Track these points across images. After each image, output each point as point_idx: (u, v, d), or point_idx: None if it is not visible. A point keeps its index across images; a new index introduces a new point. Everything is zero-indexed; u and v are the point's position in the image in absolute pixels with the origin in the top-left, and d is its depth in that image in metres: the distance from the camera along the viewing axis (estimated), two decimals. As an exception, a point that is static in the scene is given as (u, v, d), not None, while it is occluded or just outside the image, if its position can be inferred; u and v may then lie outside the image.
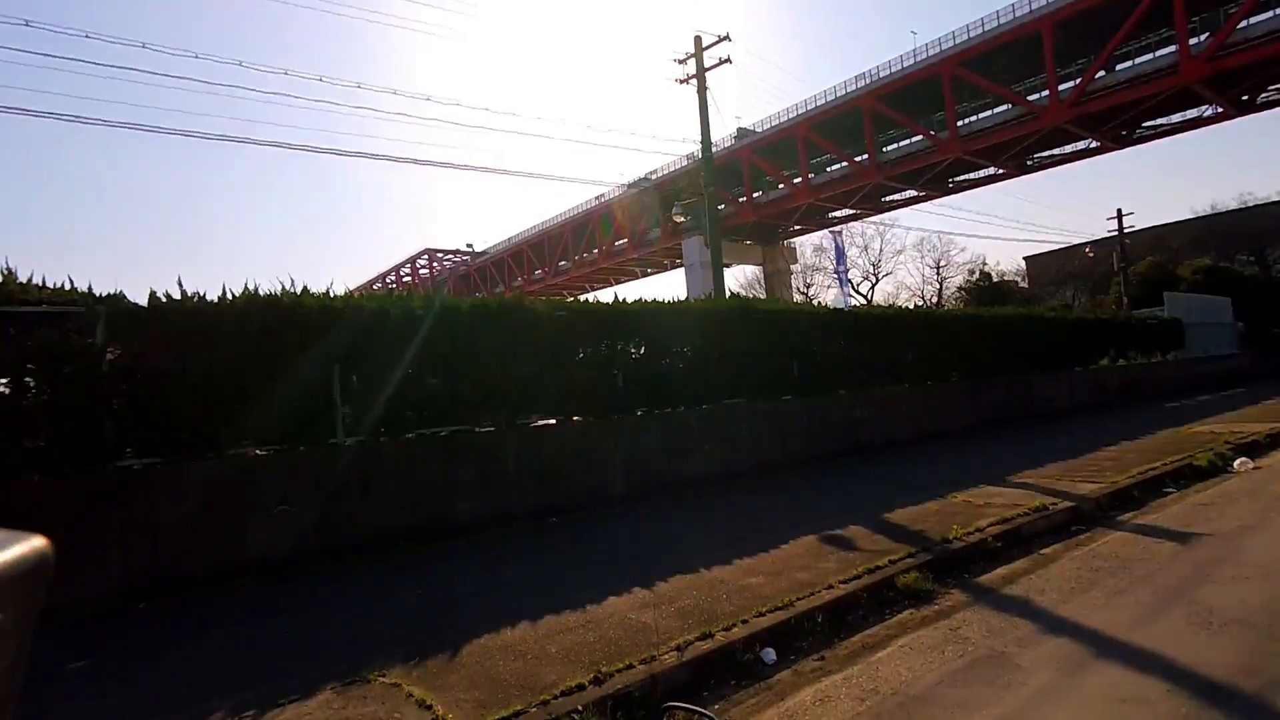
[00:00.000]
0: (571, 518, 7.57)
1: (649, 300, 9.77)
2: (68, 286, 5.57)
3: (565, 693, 3.10)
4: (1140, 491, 7.24)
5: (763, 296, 42.61)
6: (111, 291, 5.75)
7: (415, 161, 74.91)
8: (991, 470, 8.67)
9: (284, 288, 6.61)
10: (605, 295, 9.81)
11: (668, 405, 9.78)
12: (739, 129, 54.07)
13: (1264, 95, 38.78)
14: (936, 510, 6.52)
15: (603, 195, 59.04)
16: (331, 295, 6.91)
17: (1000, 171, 47.56)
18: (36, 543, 0.59)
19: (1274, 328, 35.04)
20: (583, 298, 9.44)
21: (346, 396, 6.71)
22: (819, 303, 14.26)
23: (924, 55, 43.43)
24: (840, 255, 15.42)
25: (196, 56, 29.52)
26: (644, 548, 6.04)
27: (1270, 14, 33.02)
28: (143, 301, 5.80)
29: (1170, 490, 7.44)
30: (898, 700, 3.07)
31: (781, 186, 51.34)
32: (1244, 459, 8.66)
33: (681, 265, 58.59)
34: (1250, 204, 52.26)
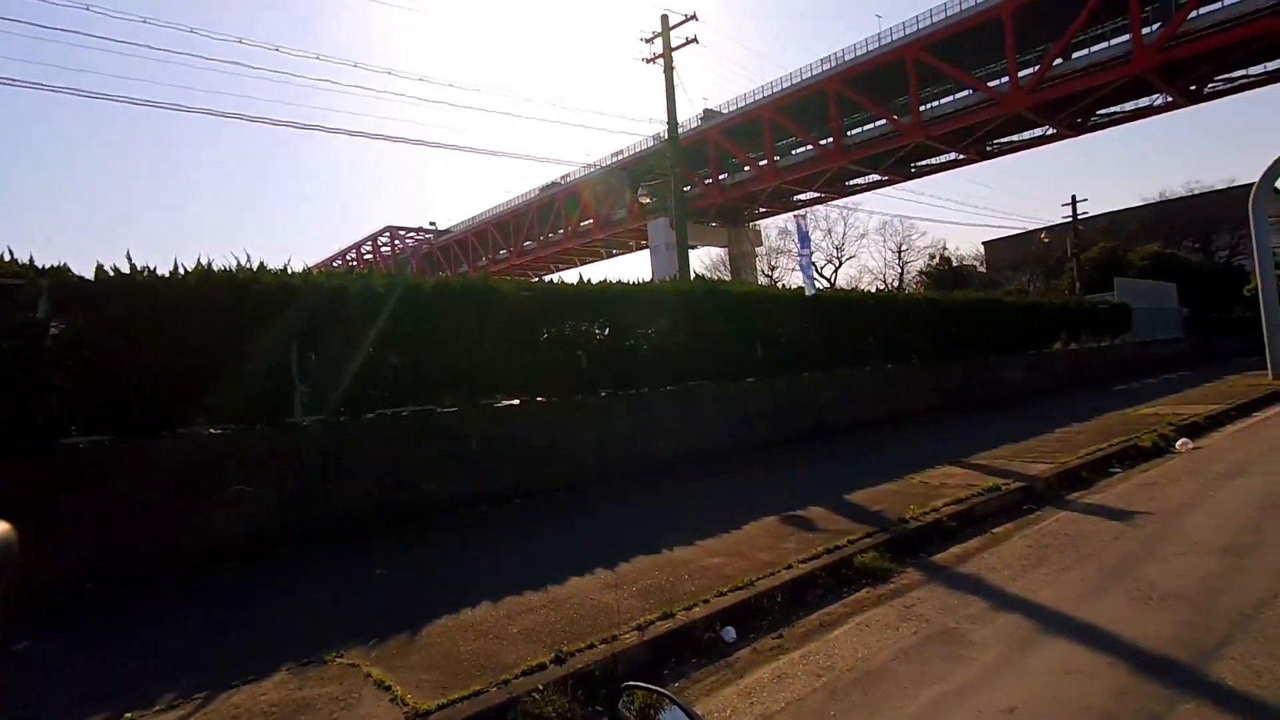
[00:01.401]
0: (537, 499, 7.54)
1: (614, 281, 9.71)
2: (7, 258, 5.29)
3: (526, 672, 3.09)
4: (1088, 472, 7.48)
5: (728, 279, 42.80)
6: (55, 264, 5.48)
7: (377, 137, 73.03)
8: (949, 451, 8.87)
9: (239, 263, 6.40)
10: (571, 276, 9.74)
11: (633, 386, 9.77)
12: (705, 110, 53.81)
13: (1211, 85, 39.99)
14: (895, 491, 6.65)
15: (569, 175, 58.46)
16: (290, 272, 6.72)
17: (961, 157, 48.34)
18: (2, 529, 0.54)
19: (1215, 313, 36.46)
20: (548, 278, 9.34)
21: (305, 375, 6.55)
22: (783, 285, 14.35)
23: (889, 39, 43.68)
24: (804, 238, 15.47)
25: (145, 20, 28.17)
26: (608, 528, 6.04)
27: (1218, 5, 33.92)
28: (89, 275, 5.55)
29: (1116, 470, 7.71)
30: (853, 676, 3.13)
31: (747, 169, 51.45)
32: (1185, 440, 9.01)
33: (647, 247, 58.48)
34: (1197, 192, 54.14)
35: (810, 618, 3.94)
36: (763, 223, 61.59)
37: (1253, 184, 18.97)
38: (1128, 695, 2.74)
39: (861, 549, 4.75)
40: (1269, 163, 18.18)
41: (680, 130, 17.17)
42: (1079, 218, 36.68)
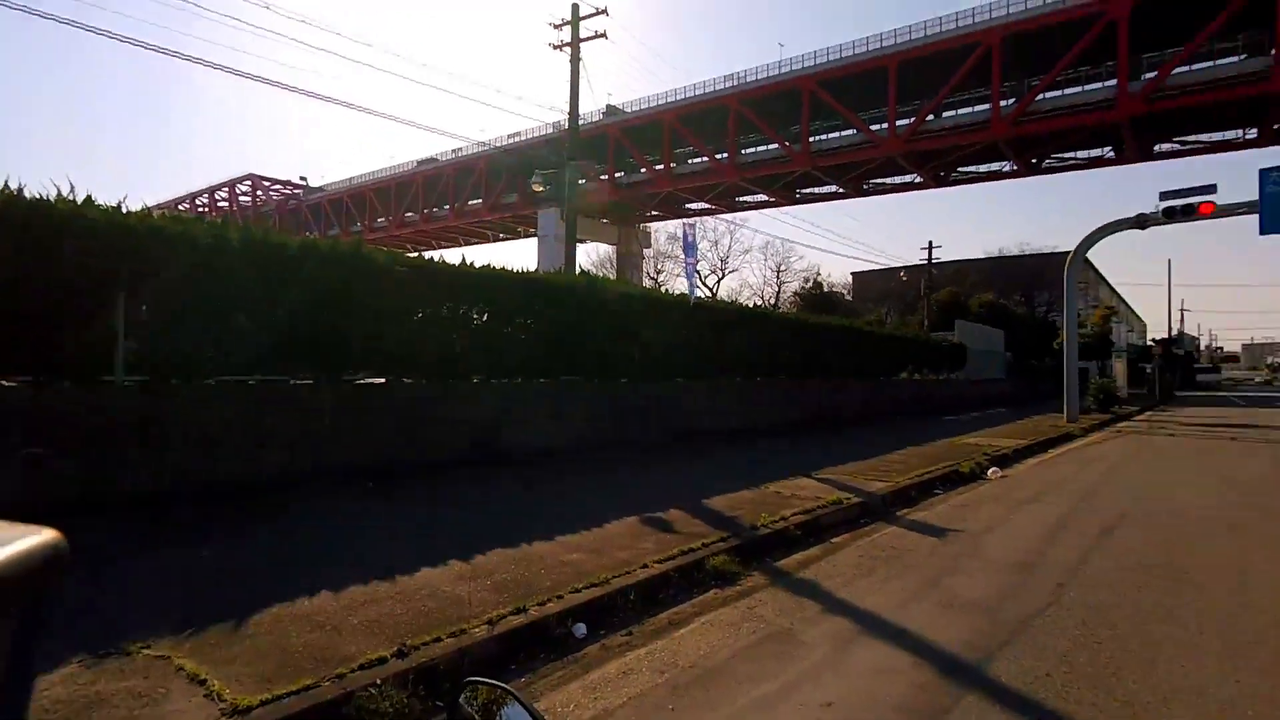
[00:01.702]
0: (393, 482, 7.25)
1: (500, 268, 9.56)
2: None
3: (365, 665, 2.97)
4: (917, 492, 8.27)
5: (613, 277, 43.11)
6: None
7: (242, 75, 66.80)
8: (804, 464, 9.47)
9: (60, 193, 5.62)
10: (453, 256, 9.47)
11: (508, 376, 9.64)
12: (608, 106, 53.90)
13: (1048, 161, 45.32)
14: (751, 498, 7.02)
15: (460, 150, 56.39)
16: (125, 210, 6.00)
17: (841, 190, 51.61)
18: (48, 536, 0.59)
19: (1033, 360, 41.32)
20: (428, 255, 9.01)
21: (133, 330, 5.89)
22: (667, 290, 14.72)
23: (789, 68, 45.82)
24: (691, 247, 15.95)
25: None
26: (466, 518, 5.93)
27: (1058, 93, 38.50)
28: None
29: (939, 492, 8.57)
30: (695, 672, 3.28)
31: (644, 171, 52.12)
32: (995, 468, 10.17)
33: (535, 235, 57.72)
34: (1027, 252, 61.12)
35: (660, 616, 4.08)
36: (653, 226, 62.64)
37: (1069, 252, 21.74)
38: (925, 691, 3.08)
39: (714, 552, 4.98)
40: (1089, 231, 20.87)
41: (581, 123, 17.14)
42: (933, 261, 40.37)
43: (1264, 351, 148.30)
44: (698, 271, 17.47)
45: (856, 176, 48.72)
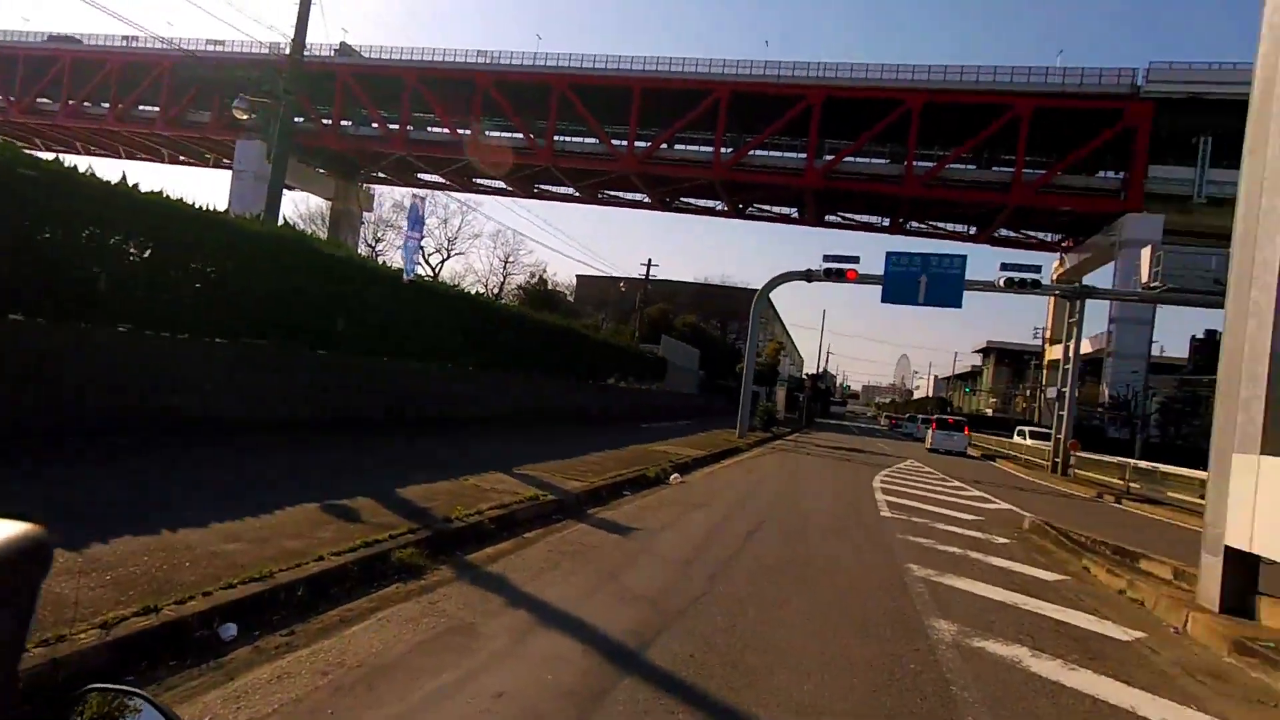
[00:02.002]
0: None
1: (173, 198, 8.01)
2: None
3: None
4: (608, 492, 8.90)
5: (324, 236, 39.00)
6: None
7: None
8: (507, 460, 9.57)
9: None
10: (110, 169, 7.67)
11: (167, 327, 8.13)
12: (343, 44, 48.82)
13: (751, 209, 52.38)
14: (449, 490, 6.88)
15: (135, 39, 46.10)
16: None
17: (578, 194, 53.47)
18: (32, 530, 0.62)
19: (720, 379, 47.27)
20: (69, 160, 7.12)
21: None
22: (385, 261, 13.74)
23: (544, 62, 46.14)
24: (418, 221, 15.15)
25: None
26: (91, 498, 4.85)
27: (765, 153, 44.79)
28: None
29: (628, 493, 9.34)
30: (362, 671, 3.11)
31: (376, 126, 48.17)
32: (677, 475, 11.42)
33: (229, 167, 49.74)
34: (727, 284, 69.93)
35: (331, 613, 3.78)
36: (378, 189, 58.13)
37: (757, 290, 25.38)
38: (590, 676, 3.33)
39: (402, 544, 4.77)
40: (771, 276, 24.52)
41: (306, 54, 15.21)
42: (650, 278, 43.94)
43: (875, 392, 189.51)
44: (421, 248, 16.67)
45: (594, 184, 50.96)
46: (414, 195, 18.19)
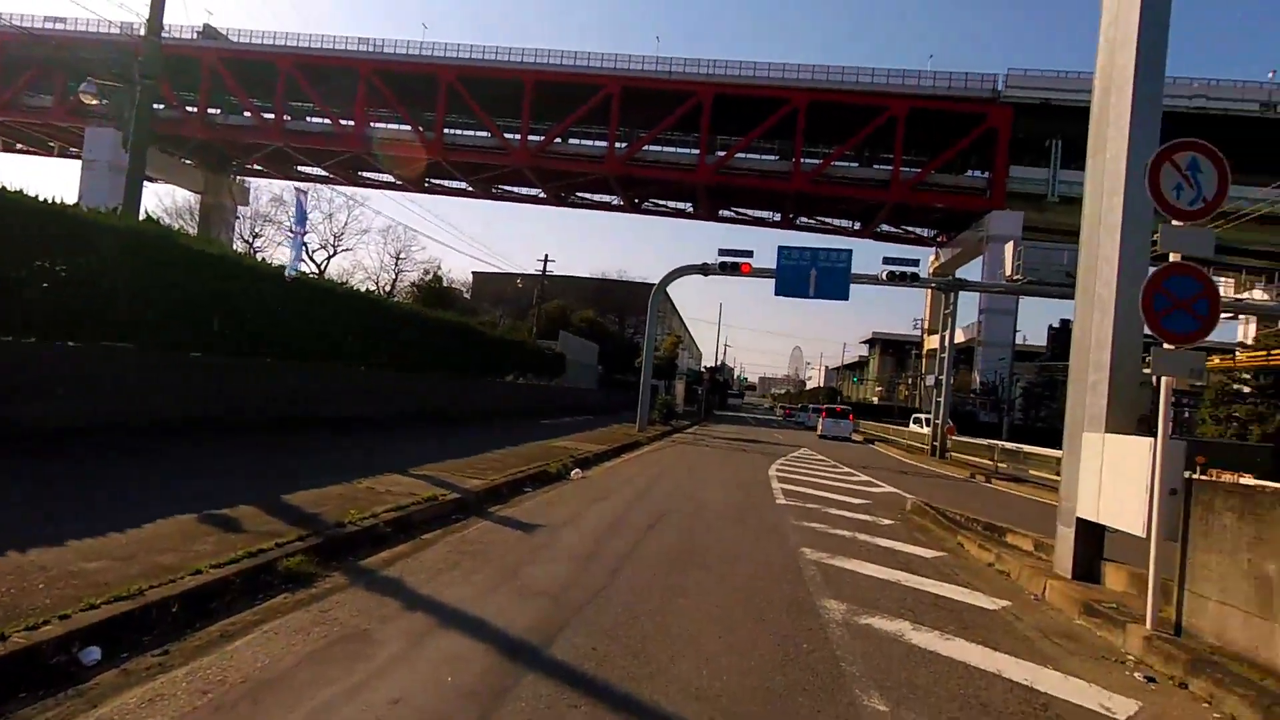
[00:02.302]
0: None
1: (11, 190, 7.24)
2: None
3: None
4: (509, 490, 8.78)
5: (194, 232, 36.17)
6: None
7: None
8: (404, 460, 9.25)
9: None
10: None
11: (7, 331, 7.34)
12: (206, 26, 45.35)
13: (646, 204, 52.93)
14: (340, 494, 6.58)
15: (-35, 14, 40.99)
16: None
17: (471, 189, 52.18)
18: None
19: (618, 374, 47.56)
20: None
21: None
22: (264, 259, 12.86)
23: (430, 52, 44.71)
24: (302, 217, 14.34)
25: None
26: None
27: (659, 148, 45.43)
28: None
29: (528, 490, 9.25)
30: (247, 688, 2.93)
31: (249, 115, 45.06)
32: (578, 470, 11.42)
33: (79, 157, 45.13)
34: (625, 279, 70.41)
35: (210, 628, 3.54)
36: (254, 182, 54.43)
37: (654, 285, 25.72)
38: (491, 675, 3.30)
39: (290, 552, 4.53)
40: (668, 271, 24.91)
41: (166, 35, 14.01)
42: (548, 274, 43.55)
43: (771, 384, 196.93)
44: (305, 244, 15.75)
45: (488, 179, 49.90)
46: (296, 189, 17.16)
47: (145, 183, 13.41)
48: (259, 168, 52.25)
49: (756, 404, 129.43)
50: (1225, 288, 43.18)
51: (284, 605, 3.99)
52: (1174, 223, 5.07)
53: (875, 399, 78.54)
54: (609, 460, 14.30)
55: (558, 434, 17.36)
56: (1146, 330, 5.10)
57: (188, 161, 50.11)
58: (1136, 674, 4.20)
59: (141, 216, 10.96)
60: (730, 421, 45.56)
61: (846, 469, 17.19)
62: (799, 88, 41.58)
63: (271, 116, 44.59)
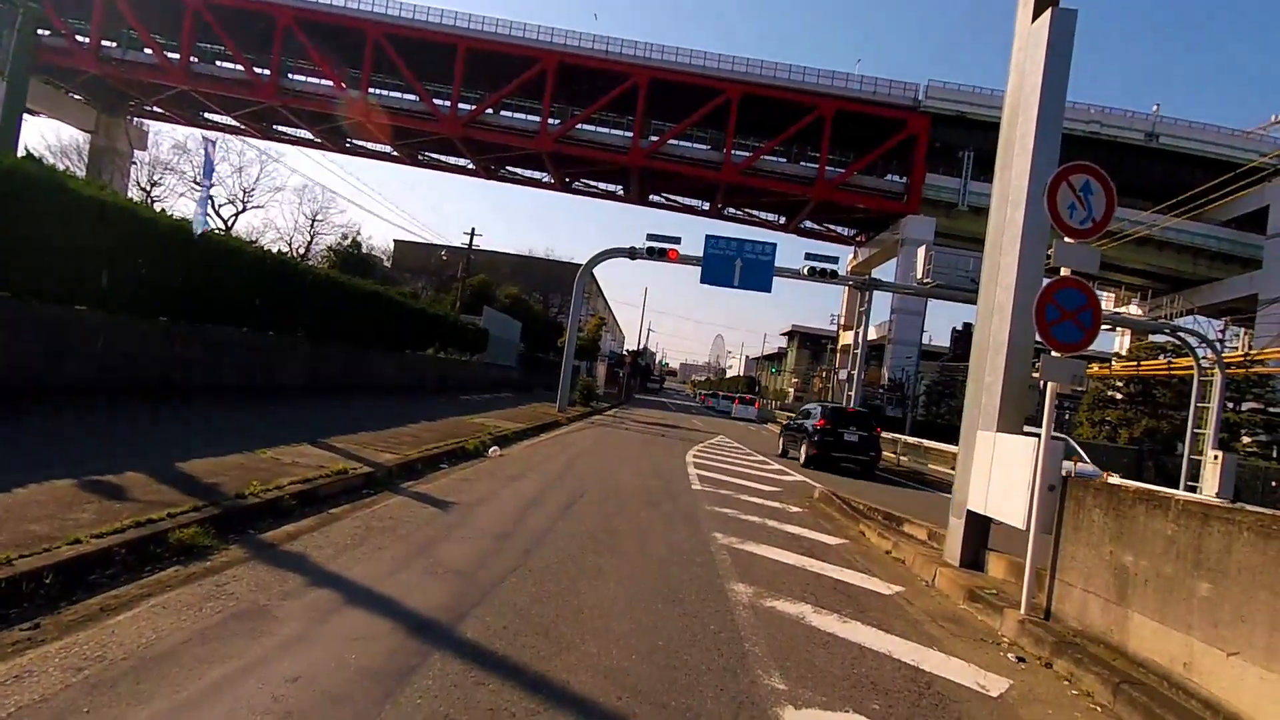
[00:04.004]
0: None
1: None
2: None
3: None
4: (424, 465, 8.58)
5: (81, 175, 33.17)
6: None
7: None
8: (313, 431, 8.87)
9: None
10: None
11: None
12: (109, -47, 41.51)
13: (578, 184, 52.44)
14: (241, 464, 6.26)
15: None
16: None
17: (395, 154, 50.14)
18: None
19: (540, 353, 47.12)
20: None
21: None
22: (162, 210, 11.92)
23: (358, 5, 42.58)
24: (209, 168, 13.38)
25: None
26: None
27: (593, 129, 44.96)
28: None
29: (444, 466, 9.08)
30: (129, 664, 2.77)
31: (149, 51, 41.60)
32: (496, 447, 11.29)
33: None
34: (551, 257, 69.70)
35: (89, 601, 3.32)
36: (153, 125, 50.37)
37: (580, 265, 25.58)
38: (398, 654, 3.24)
39: (183, 524, 4.28)
40: (594, 252, 24.80)
41: (61, -42, 12.69)
42: (473, 247, 42.47)
43: (691, 370, 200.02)
44: (211, 198, 14.75)
45: (414, 145, 48.10)
46: (203, 138, 15.88)
47: (26, 116, 12.15)
48: (160, 111, 48.34)
49: (677, 389, 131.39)
50: (1106, 302, 47.04)
51: (174, 579, 3.78)
52: (1066, 239, 5.47)
53: (791, 390, 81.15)
54: (528, 439, 14.19)
55: (477, 410, 17.06)
56: (1037, 337, 5.50)
57: (78, 97, 45.80)
58: (1009, 655, 4.57)
59: (20, 153, 9.97)
60: (651, 406, 46.01)
61: (760, 457, 17.72)
62: (733, 80, 42.03)
63: (177, 57, 41.29)
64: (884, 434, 23.13)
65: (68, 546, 3.57)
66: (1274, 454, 30.38)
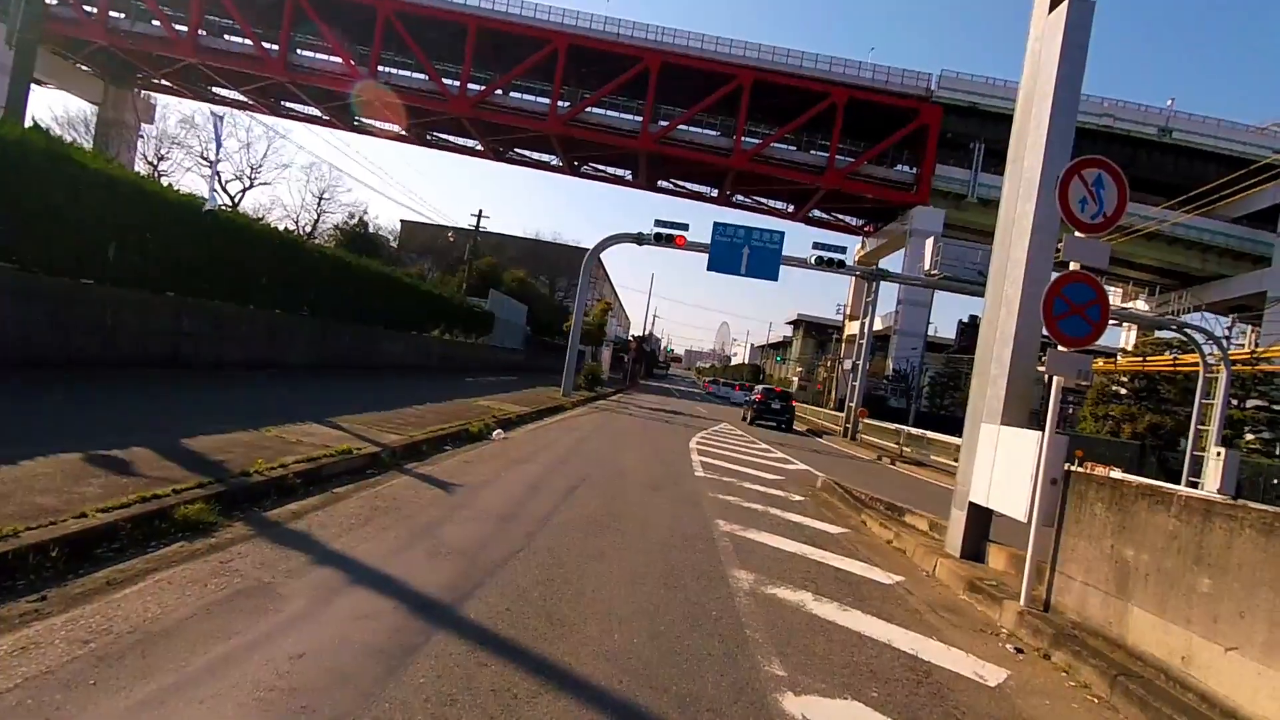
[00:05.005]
0: None
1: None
2: None
3: None
4: (428, 446, 8.62)
5: (89, 147, 33.14)
6: None
7: None
8: (319, 410, 8.92)
9: None
10: None
11: None
12: (117, -78, 41.16)
13: (586, 168, 52.08)
14: (248, 441, 6.29)
15: None
16: None
17: (405, 134, 49.87)
18: None
19: (546, 337, 47.12)
20: None
21: None
22: (171, 185, 11.87)
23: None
24: (218, 143, 13.33)
25: None
26: None
27: (603, 112, 44.60)
28: None
29: (449, 448, 9.11)
30: (135, 638, 2.80)
31: (158, 24, 41.35)
32: (500, 430, 11.32)
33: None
34: (558, 241, 69.41)
35: (96, 575, 3.35)
36: (161, 99, 50.18)
37: (588, 250, 25.50)
38: (400, 632, 3.27)
39: (187, 500, 4.31)
40: (603, 237, 24.71)
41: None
42: (481, 229, 42.38)
43: (696, 357, 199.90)
44: (219, 174, 14.72)
45: (423, 124, 47.84)
46: (212, 112, 15.75)
47: (33, 86, 12.12)
48: (168, 84, 48.10)
49: (682, 376, 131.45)
50: (1114, 297, 46.73)
51: (179, 554, 3.81)
52: (1077, 234, 5.42)
53: (795, 378, 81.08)
54: (532, 423, 14.22)
55: (482, 393, 17.10)
56: (1044, 331, 5.47)
57: (85, 69, 45.60)
58: (1008, 646, 4.58)
59: (28, 124, 9.94)
60: (655, 392, 46.03)
61: (764, 445, 17.74)
62: (745, 66, 41.60)
63: (185, 30, 41.03)
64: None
65: (74, 520, 3.60)
66: (1277, 451, 30.30)
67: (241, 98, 47.84)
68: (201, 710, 2.40)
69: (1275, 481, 23.49)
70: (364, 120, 49.11)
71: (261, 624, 3.12)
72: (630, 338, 70.13)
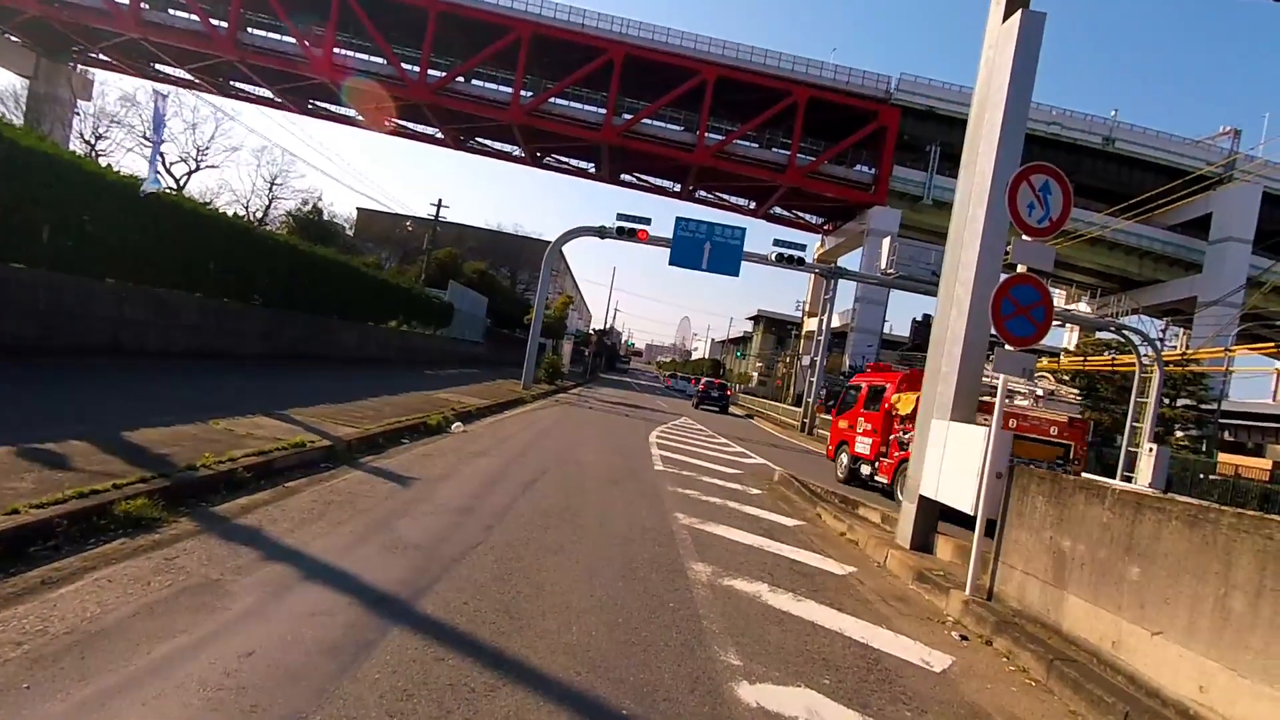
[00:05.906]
0: None
1: None
2: None
3: None
4: (385, 439, 8.47)
5: (18, 123, 31.49)
6: None
7: None
8: (270, 402, 8.69)
9: None
10: None
11: None
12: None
13: (549, 159, 51.66)
14: (194, 434, 6.10)
15: None
16: None
17: (360, 120, 48.69)
18: None
19: (507, 329, 46.65)
20: None
21: None
22: (110, 166, 11.36)
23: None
24: (160, 123, 12.79)
25: None
26: None
27: (566, 103, 44.23)
28: None
29: (406, 441, 8.97)
30: (72, 639, 2.71)
31: (100, -2, 39.46)
32: (459, 423, 11.20)
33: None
34: (519, 233, 68.66)
35: (29, 574, 3.22)
36: (102, 74, 47.94)
37: (550, 242, 25.34)
38: (355, 628, 3.22)
39: (130, 495, 4.17)
40: (565, 230, 24.56)
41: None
42: (440, 219, 41.69)
43: (657, 351, 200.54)
44: (162, 154, 14.14)
45: (379, 109, 46.74)
46: (154, 90, 15.11)
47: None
48: (107, 59, 45.98)
49: (642, 370, 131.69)
50: (1057, 299, 48.50)
51: (120, 552, 3.69)
52: (1024, 237, 5.62)
53: (755, 374, 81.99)
54: (492, 415, 14.10)
55: (441, 385, 16.87)
56: (993, 330, 5.66)
57: (15, 39, 43.28)
58: (953, 633, 4.75)
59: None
60: (615, 385, 46.03)
61: (723, 440, 17.93)
62: (710, 61, 41.74)
63: (127, 2, 39.26)
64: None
65: (4, 517, 3.44)
66: (1203, 448, 31.90)
67: (188, 76, 46.05)
68: (144, 712, 2.33)
69: (1202, 476, 24.75)
70: (319, 103, 47.73)
71: (209, 622, 3.04)
72: (591, 331, 69.90)
